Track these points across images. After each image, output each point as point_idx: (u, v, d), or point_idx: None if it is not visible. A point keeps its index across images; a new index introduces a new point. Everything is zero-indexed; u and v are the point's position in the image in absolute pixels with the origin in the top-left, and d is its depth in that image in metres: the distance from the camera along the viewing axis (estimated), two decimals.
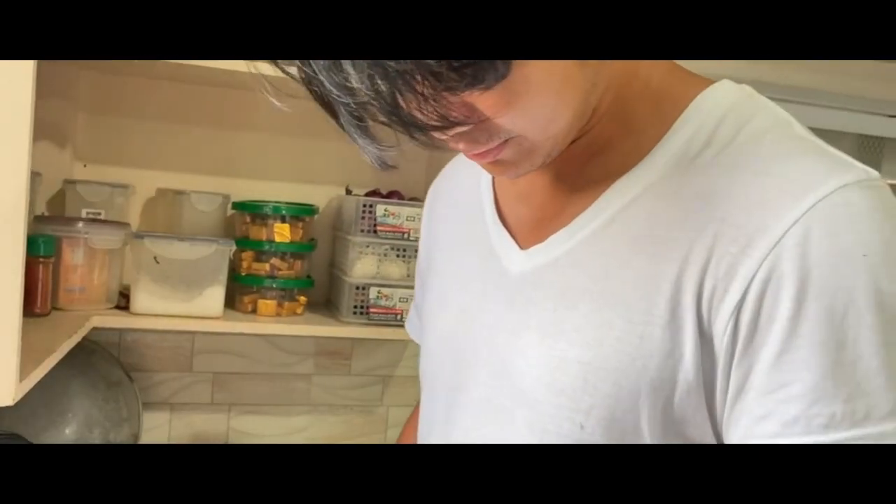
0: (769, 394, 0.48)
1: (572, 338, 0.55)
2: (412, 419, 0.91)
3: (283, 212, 1.35)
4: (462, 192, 0.73)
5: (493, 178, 0.69)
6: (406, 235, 1.36)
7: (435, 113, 0.46)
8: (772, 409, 0.48)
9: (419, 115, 0.46)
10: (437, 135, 0.49)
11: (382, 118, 0.47)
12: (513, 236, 0.64)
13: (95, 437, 1.26)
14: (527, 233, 0.63)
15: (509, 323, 0.61)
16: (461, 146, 0.53)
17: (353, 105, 0.46)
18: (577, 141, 0.58)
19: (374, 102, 0.45)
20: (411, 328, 0.90)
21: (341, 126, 0.50)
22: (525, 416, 0.58)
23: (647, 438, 0.53)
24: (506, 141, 0.52)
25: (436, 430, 0.69)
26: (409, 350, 1.66)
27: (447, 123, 0.47)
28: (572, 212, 0.59)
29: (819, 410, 0.47)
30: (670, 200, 0.54)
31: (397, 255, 1.37)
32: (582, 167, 0.59)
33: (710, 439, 0.53)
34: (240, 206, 1.39)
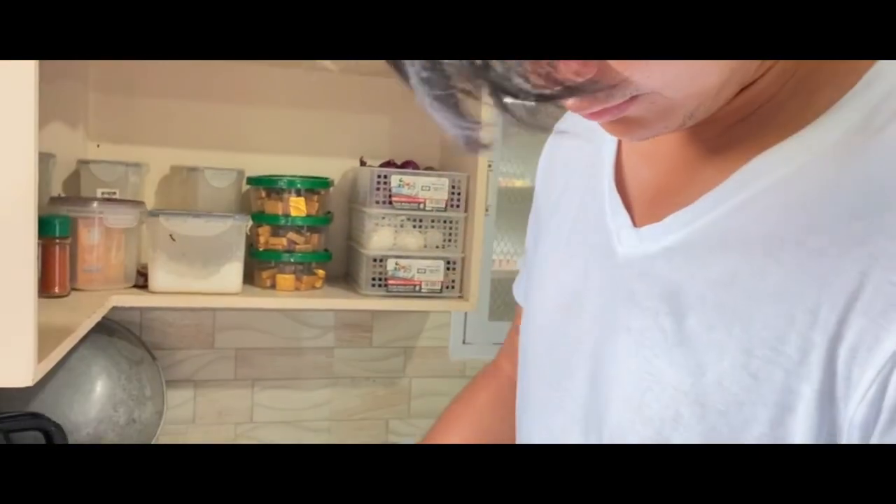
0: None
1: (673, 355, 0.43)
2: (481, 378, 0.81)
3: (298, 185, 1.34)
4: (584, 142, 0.59)
5: None
6: (422, 206, 1.34)
7: (543, 75, 0.35)
8: None
9: (520, 81, 0.34)
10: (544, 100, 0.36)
11: (473, 85, 0.36)
12: (628, 208, 0.51)
13: (120, 416, 1.27)
14: (645, 205, 0.50)
15: (609, 318, 0.49)
16: (570, 103, 0.40)
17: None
18: (734, 100, 0.44)
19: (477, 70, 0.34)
20: (517, 290, 0.76)
21: (426, 103, 0.38)
22: (607, 438, 0.48)
23: None
24: (634, 97, 0.39)
25: (535, 427, 0.58)
26: (430, 321, 1.65)
27: (561, 91, 0.35)
28: (702, 186, 0.45)
29: None
30: (830, 190, 0.39)
31: (414, 226, 1.36)
32: (728, 127, 0.45)
33: None
34: (254, 181, 1.38)
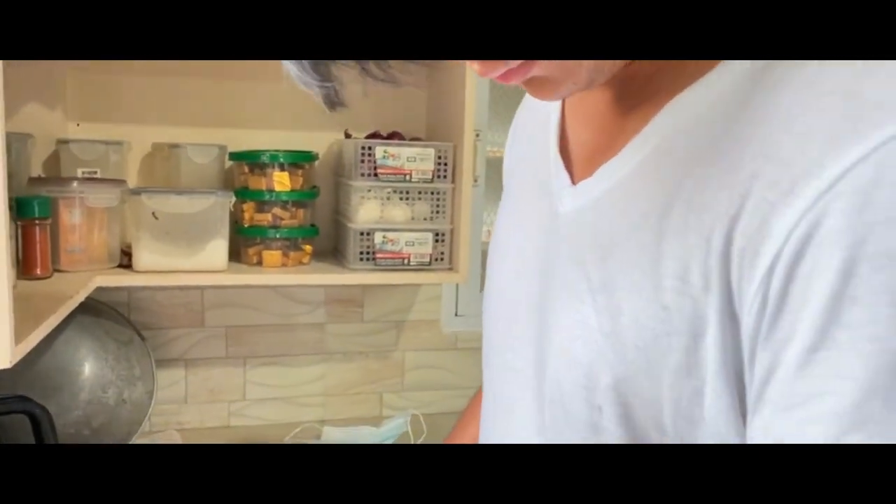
0: (790, 409, 0.35)
1: (597, 301, 0.45)
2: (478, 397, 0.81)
3: (281, 159, 1.32)
4: (537, 114, 0.61)
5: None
6: (407, 177, 1.32)
7: None
8: (792, 430, 0.35)
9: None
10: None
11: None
12: (569, 169, 0.52)
13: (110, 397, 1.27)
14: (583, 164, 0.51)
15: (549, 276, 0.51)
16: (475, 67, 0.41)
17: None
18: None
19: None
20: None
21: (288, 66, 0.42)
22: (548, 392, 0.49)
23: (669, 434, 0.42)
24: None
25: (488, 397, 0.61)
26: (421, 294, 1.64)
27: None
28: (625, 137, 0.47)
29: (857, 439, 0.33)
30: (728, 124, 0.41)
31: (400, 198, 1.34)
32: (648, 79, 0.46)
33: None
34: (237, 157, 1.36)
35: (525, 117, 0.66)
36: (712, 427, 0.41)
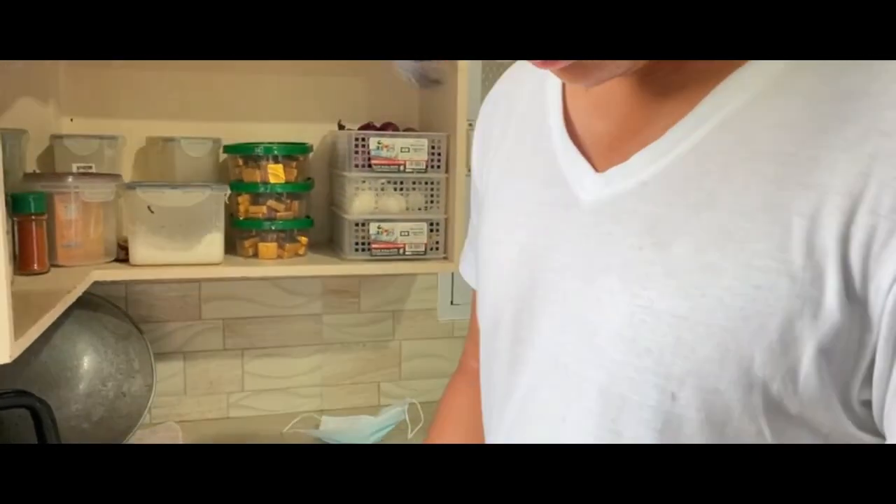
0: None
1: (664, 284, 0.43)
2: (454, 382, 0.80)
3: (276, 151, 1.33)
4: (525, 101, 0.60)
5: (564, 84, 0.56)
6: (401, 167, 1.33)
7: None
8: None
9: None
10: None
11: None
12: (586, 156, 0.51)
13: (109, 391, 1.28)
14: (603, 151, 0.50)
15: (581, 265, 0.49)
16: None
17: None
18: None
19: None
20: (466, 269, 0.75)
21: None
22: (598, 380, 0.47)
23: (758, 420, 0.42)
24: None
25: (496, 392, 0.59)
26: (417, 284, 1.65)
27: None
28: (665, 122, 0.46)
29: None
30: (808, 100, 0.40)
31: (395, 189, 1.35)
32: (678, 66, 0.46)
33: (839, 436, 0.41)
34: (231, 149, 1.36)
35: (505, 94, 0.64)
36: (803, 405, 0.41)
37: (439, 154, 1.34)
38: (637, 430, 0.46)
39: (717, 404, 0.42)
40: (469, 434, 0.73)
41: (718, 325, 0.41)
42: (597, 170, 0.50)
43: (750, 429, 0.42)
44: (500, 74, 0.67)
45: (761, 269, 0.40)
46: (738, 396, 0.41)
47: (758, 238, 0.40)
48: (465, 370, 0.78)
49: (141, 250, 1.24)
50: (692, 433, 0.44)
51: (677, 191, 0.44)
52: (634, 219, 0.46)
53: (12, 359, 0.77)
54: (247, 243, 1.36)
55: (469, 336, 0.79)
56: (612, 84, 0.49)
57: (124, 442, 1.31)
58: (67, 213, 1.19)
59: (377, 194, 1.34)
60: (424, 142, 1.33)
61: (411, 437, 1.47)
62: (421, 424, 1.49)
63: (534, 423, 0.53)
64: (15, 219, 1.07)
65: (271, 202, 1.34)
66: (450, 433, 0.75)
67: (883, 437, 0.40)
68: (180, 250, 1.25)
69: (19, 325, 0.80)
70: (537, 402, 0.53)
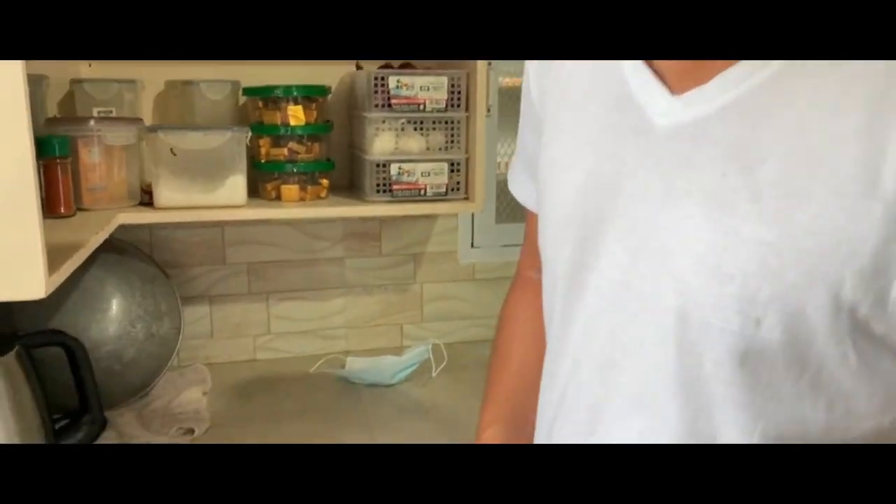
0: None
1: (749, 210, 0.43)
2: (514, 294, 0.79)
3: (295, 93, 1.32)
4: None
5: None
6: (422, 107, 1.32)
7: None
8: None
9: None
10: None
11: None
12: (660, 78, 0.50)
13: (139, 332, 1.30)
14: (679, 74, 0.48)
15: (657, 191, 0.48)
16: None
17: None
18: None
19: None
20: (516, 188, 0.73)
21: None
22: (678, 306, 0.46)
23: (843, 343, 0.42)
24: None
25: (554, 321, 0.59)
26: (437, 227, 1.65)
27: None
28: None
29: None
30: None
31: (415, 129, 1.34)
32: None
33: None
34: (250, 92, 1.36)
35: None
36: (890, 326, 0.41)
37: (459, 93, 1.33)
38: (719, 354, 0.46)
39: (802, 328, 0.42)
40: (537, 346, 0.71)
41: (807, 250, 0.41)
42: (673, 92, 0.48)
43: (834, 352, 0.43)
44: None
45: (853, 194, 0.40)
46: (825, 320, 0.42)
47: (852, 163, 0.40)
48: (523, 281, 0.78)
49: (165, 193, 1.24)
50: (774, 358, 0.44)
51: (763, 115, 0.43)
52: (717, 144, 0.45)
53: (47, 294, 0.79)
54: (269, 186, 1.36)
55: (524, 248, 0.79)
56: None
57: (155, 382, 1.34)
58: (91, 156, 1.20)
59: (397, 134, 1.33)
60: (444, 80, 1.32)
61: (435, 375, 1.49)
62: (444, 363, 1.51)
63: (604, 348, 0.53)
64: (40, 162, 1.08)
65: (292, 144, 1.34)
66: (518, 347, 0.75)
67: None
68: (204, 192, 1.26)
69: (52, 262, 0.81)
70: (604, 327, 0.52)
